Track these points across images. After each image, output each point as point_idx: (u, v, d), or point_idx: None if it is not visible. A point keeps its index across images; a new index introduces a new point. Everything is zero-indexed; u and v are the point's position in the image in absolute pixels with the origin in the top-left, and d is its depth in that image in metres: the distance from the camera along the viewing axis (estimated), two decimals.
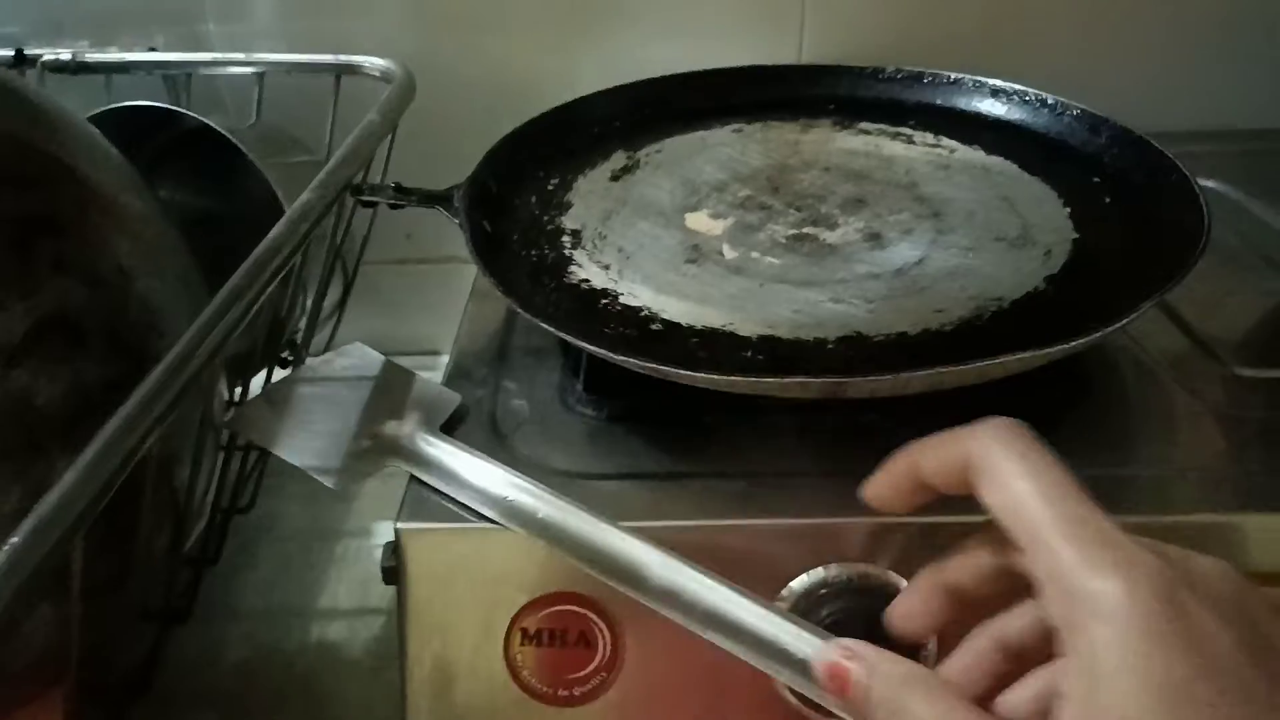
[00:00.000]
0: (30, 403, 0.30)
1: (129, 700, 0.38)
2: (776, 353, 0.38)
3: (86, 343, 0.33)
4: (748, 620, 0.29)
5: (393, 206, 0.46)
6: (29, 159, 0.36)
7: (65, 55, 0.57)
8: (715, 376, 0.34)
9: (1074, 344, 0.35)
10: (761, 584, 0.34)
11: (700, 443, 0.38)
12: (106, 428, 0.29)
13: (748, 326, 0.39)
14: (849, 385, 0.34)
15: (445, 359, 0.46)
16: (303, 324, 0.49)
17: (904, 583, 0.33)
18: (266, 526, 0.53)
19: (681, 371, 0.35)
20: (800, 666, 0.29)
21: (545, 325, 0.37)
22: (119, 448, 0.29)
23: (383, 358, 0.39)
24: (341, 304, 0.54)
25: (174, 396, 0.31)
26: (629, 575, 0.31)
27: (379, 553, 0.35)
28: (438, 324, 0.55)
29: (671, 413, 0.39)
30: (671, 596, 0.30)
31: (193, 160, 0.58)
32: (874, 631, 0.32)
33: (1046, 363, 0.36)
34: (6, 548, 0.26)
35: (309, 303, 0.50)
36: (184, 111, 0.53)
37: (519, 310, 0.38)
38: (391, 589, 0.35)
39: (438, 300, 0.59)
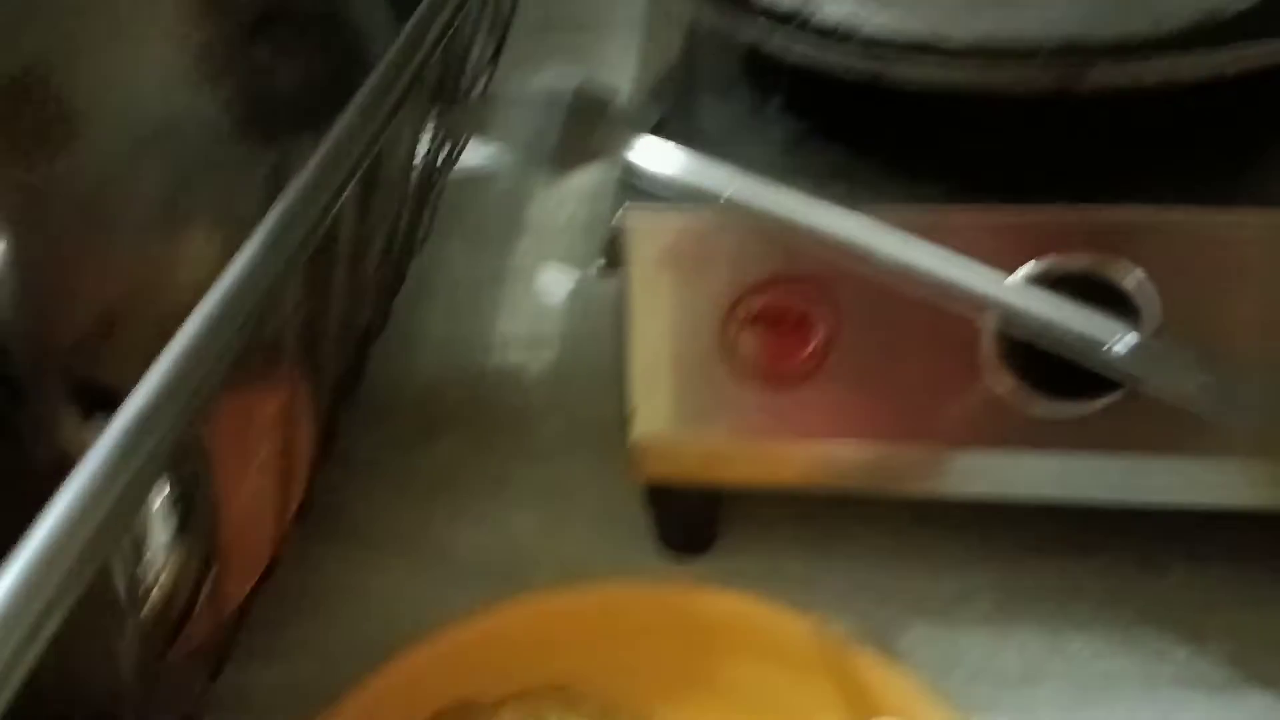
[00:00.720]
0: (272, 78, 0.31)
1: (339, 403, 0.40)
2: (993, 57, 0.36)
3: (310, 31, 0.33)
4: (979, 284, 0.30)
5: None
6: None
7: None
8: (941, 61, 0.33)
9: None
10: None
11: (911, 147, 0.37)
12: (353, 103, 0.29)
13: (956, 38, 0.38)
14: (1092, 70, 0.32)
15: None
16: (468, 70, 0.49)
17: (1136, 272, 0.33)
18: (437, 267, 0.55)
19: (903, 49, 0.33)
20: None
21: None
22: (370, 121, 0.29)
23: (581, 73, 0.39)
24: (495, 56, 0.54)
25: (407, 83, 0.31)
26: (858, 251, 0.31)
27: (546, 293, 0.35)
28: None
29: (878, 120, 0.38)
30: (901, 267, 0.30)
31: None
32: None
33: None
34: (278, 205, 0.27)
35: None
36: None
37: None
38: (559, 324, 0.34)
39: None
